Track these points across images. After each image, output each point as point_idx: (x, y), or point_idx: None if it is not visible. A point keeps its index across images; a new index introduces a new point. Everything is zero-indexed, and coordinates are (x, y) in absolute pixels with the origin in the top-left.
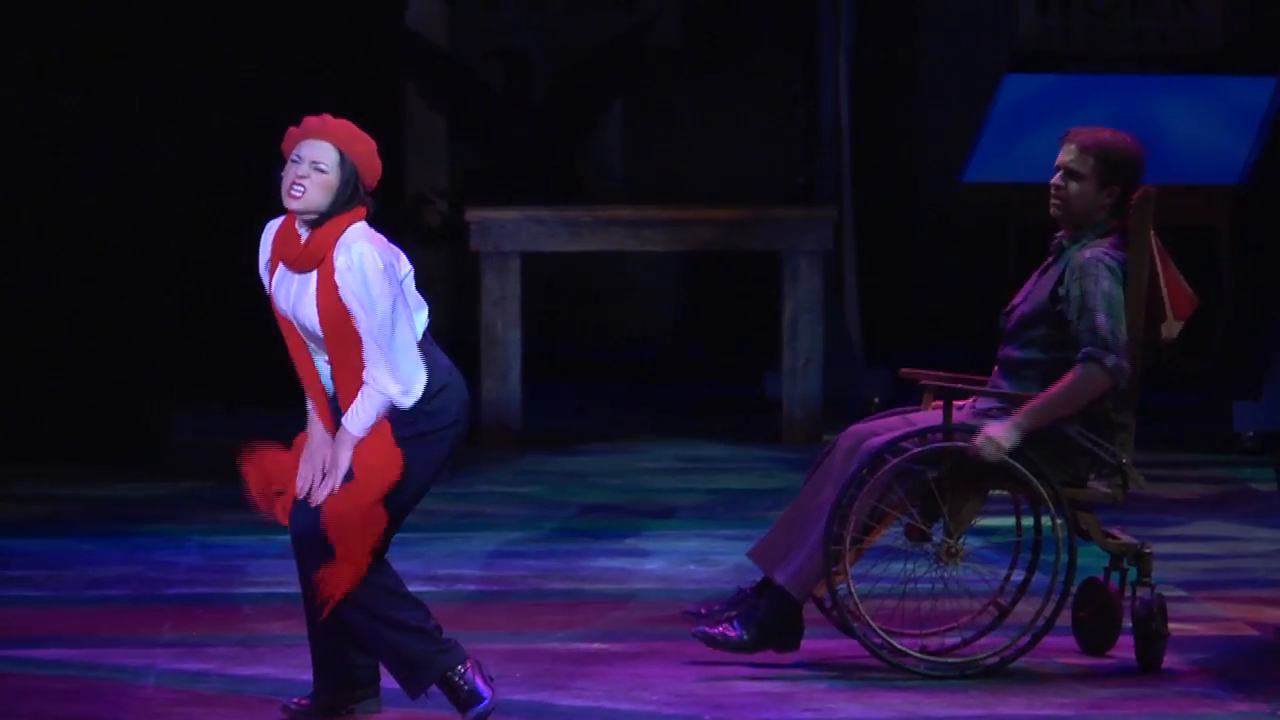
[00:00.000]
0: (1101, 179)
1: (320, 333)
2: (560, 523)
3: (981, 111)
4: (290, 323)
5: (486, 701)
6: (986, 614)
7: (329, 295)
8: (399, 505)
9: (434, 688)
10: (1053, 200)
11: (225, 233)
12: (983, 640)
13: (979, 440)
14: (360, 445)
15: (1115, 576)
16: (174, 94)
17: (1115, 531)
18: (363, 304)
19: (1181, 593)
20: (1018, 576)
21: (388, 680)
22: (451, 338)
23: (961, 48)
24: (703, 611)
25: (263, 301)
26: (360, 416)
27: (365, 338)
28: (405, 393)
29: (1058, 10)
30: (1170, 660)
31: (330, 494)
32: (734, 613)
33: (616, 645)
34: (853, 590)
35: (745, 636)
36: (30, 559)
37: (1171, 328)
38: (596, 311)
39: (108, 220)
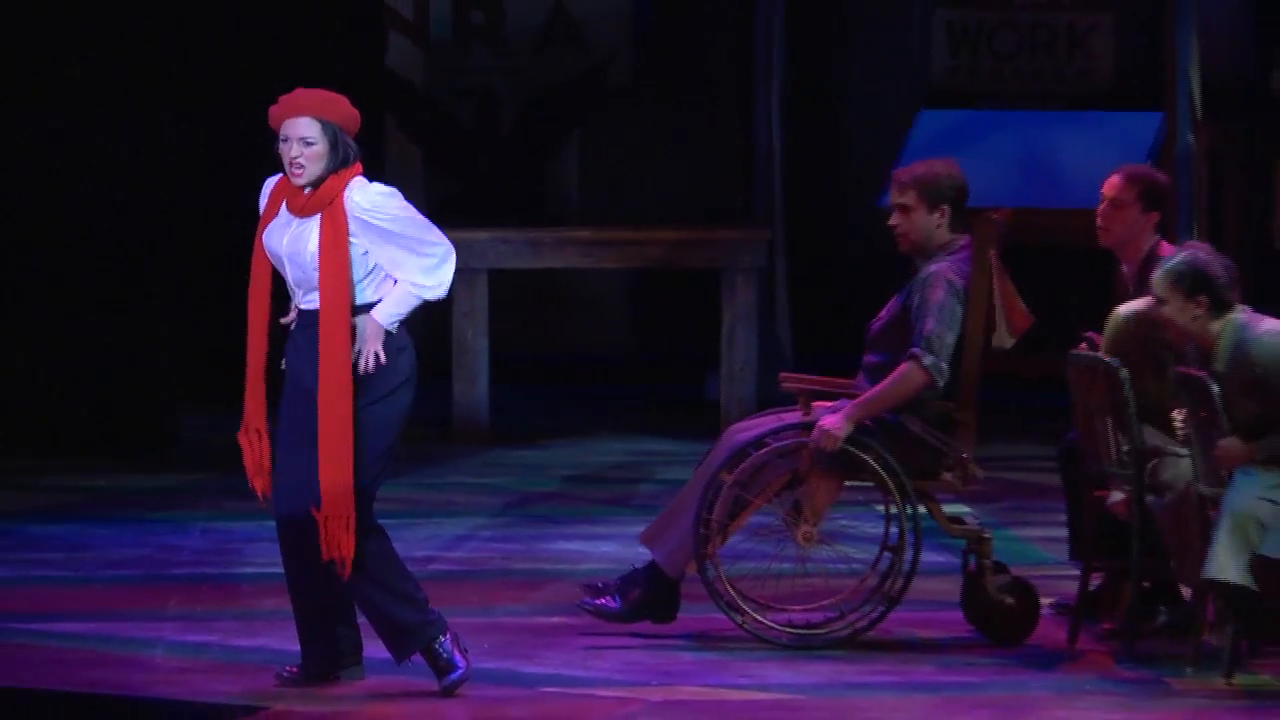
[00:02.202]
0: (928, 204)
1: (316, 267)
2: (523, 510)
3: (899, 143)
4: (268, 267)
5: (461, 671)
6: (857, 591)
7: (334, 232)
8: (375, 467)
9: (416, 655)
10: (897, 236)
11: (226, 247)
12: (850, 615)
13: (815, 433)
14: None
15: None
16: (175, 117)
17: (964, 518)
18: (395, 221)
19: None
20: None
21: (369, 651)
22: (425, 346)
23: (882, 85)
24: (599, 585)
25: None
26: (390, 310)
27: (402, 249)
28: (439, 284)
29: (967, 53)
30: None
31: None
32: (618, 587)
33: (573, 619)
34: (720, 571)
35: (621, 608)
36: (51, 543)
37: (1003, 339)
38: (556, 322)
39: (117, 225)
